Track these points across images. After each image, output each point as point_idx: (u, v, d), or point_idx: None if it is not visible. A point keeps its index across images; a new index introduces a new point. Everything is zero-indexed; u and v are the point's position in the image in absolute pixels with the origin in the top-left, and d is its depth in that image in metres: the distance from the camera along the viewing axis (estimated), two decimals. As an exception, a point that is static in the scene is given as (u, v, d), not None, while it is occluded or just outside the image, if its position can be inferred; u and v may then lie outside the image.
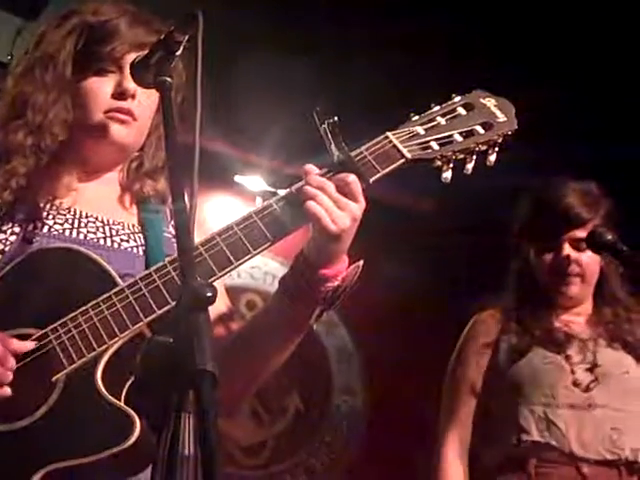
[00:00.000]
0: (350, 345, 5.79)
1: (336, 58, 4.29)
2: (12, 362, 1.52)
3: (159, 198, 1.91)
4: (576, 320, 2.81)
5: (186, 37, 1.47)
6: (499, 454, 2.69)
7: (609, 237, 2.58)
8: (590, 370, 2.67)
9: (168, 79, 1.47)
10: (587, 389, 2.64)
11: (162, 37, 1.50)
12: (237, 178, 5.49)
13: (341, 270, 1.66)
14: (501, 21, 4.09)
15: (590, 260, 2.77)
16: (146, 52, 1.54)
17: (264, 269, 5.57)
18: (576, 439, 2.58)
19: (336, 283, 1.65)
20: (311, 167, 1.66)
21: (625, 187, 3.06)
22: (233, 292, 5.45)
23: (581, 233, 2.74)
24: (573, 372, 2.66)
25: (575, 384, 2.64)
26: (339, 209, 1.59)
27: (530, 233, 2.85)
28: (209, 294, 1.15)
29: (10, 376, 1.51)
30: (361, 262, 1.68)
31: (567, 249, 2.75)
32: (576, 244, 2.76)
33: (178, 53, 1.50)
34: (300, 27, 4.07)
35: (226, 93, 4.16)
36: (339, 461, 5.61)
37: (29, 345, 1.55)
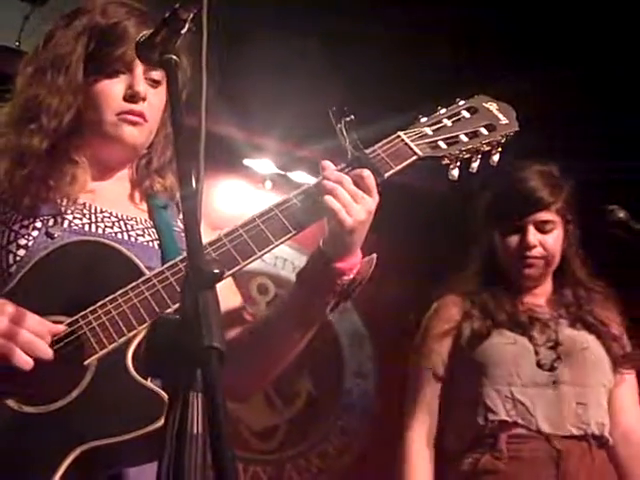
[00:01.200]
0: (362, 329, 5.78)
1: (346, 39, 4.26)
2: (49, 338, 1.58)
3: (167, 194, 1.97)
4: (537, 302, 2.83)
5: (191, 15, 1.46)
6: (467, 436, 2.69)
7: (621, 215, 2.57)
8: (552, 348, 2.69)
9: (174, 57, 1.47)
10: (551, 368, 2.65)
11: (167, 15, 1.49)
12: (246, 161, 5.47)
13: (355, 263, 1.72)
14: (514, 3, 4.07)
15: (554, 242, 2.79)
16: (151, 30, 1.53)
17: (275, 253, 5.55)
18: (543, 417, 2.60)
19: (351, 276, 1.72)
20: (328, 163, 1.73)
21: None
22: (244, 276, 5.45)
23: (545, 215, 2.77)
24: (537, 353, 2.67)
25: (539, 365, 2.66)
26: (355, 202, 1.66)
27: (494, 216, 2.85)
28: (216, 270, 1.15)
29: (48, 351, 1.57)
30: (374, 255, 1.75)
31: (532, 231, 2.75)
32: (541, 226, 2.77)
33: (183, 31, 1.49)
34: (309, 7, 4.05)
35: (234, 75, 4.15)
36: (352, 444, 5.62)
37: (61, 328, 1.60)
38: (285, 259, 5.58)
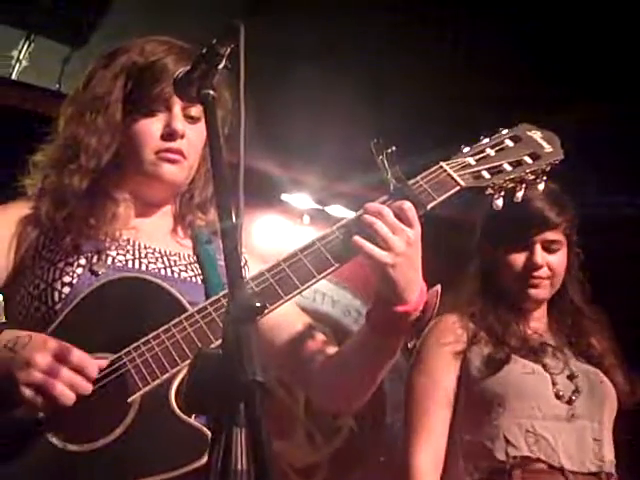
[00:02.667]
0: (402, 362, 5.73)
1: (385, 74, 4.27)
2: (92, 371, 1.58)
3: (210, 228, 1.98)
4: (540, 327, 2.73)
5: (228, 49, 1.47)
6: (479, 470, 2.54)
7: None
8: (569, 378, 2.59)
9: (211, 92, 1.47)
10: (570, 400, 2.56)
11: (204, 50, 1.50)
12: (284, 196, 5.49)
13: (419, 302, 1.70)
14: (547, 38, 4.05)
15: (559, 263, 2.70)
16: (189, 66, 1.54)
17: (314, 287, 5.52)
18: (565, 452, 2.49)
19: (417, 314, 1.70)
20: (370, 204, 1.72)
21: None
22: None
23: (552, 235, 2.68)
24: (554, 383, 2.57)
25: (557, 396, 2.55)
26: (394, 234, 1.64)
27: (497, 233, 2.73)
28: (257, 304, 1.14)
29: (90, 387, 1.57)
30: (439, 287, 1.74)
31: (539, 251, 2.67)
32: (547, 245, 2.69)
33: (221, 66, 1.50)
34: (347, 43, 4.07)
35: (272, 110, 4.17)
36: (394, 480, 5.55)
37: (104, 362, 1.61)
38: (324, 293, 5.57)
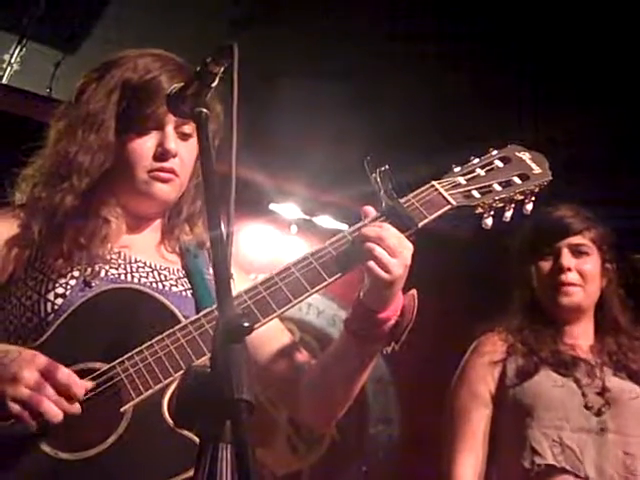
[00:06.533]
0: (386, 374, 5.76)
1: (371, 85, 4.29)
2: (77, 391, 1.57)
3: (198, 242, 1.98)
4: (579, 344, 2.75)
5: (222, 69, 1.48)
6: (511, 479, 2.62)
7: None
8: (600, 394, 2.62)
9: (204, 110, 1.47)
10: (599, 413, 2.59)
11: (198, 69, 1.51)
12: (272, 206, 5.51)
13: (397, 307, 1.75)
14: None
15: (591, 268, 2.73)
16: (182, 84, 1.54)
17: (301, 298, 5.57)
18: (591, 463, 2.53)
19: (395, 320, 1.75)
20: (370, 209, 1.77)
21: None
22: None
23: (579, 239, 2.72)
24: (584, 395, 2.61)
25: (587, 407, 2.59)
26: (392, 257, 1.68)
27: (528, 248, 2.80)
28: (246, 324, 1.16)
29: (76, 407, 1.57)
30: (414, 291, 1.78)
31: (566, 254, 2.71)
32: (575, 249, 2.73)
33: (214, 84, 1.51)
34: (335, 54, 4.08)
35: (261, 121, 4.19)
36: (376, 490, 5.57)
37: (90, 384, 1.60)
38: (310, 304, 5.60)
